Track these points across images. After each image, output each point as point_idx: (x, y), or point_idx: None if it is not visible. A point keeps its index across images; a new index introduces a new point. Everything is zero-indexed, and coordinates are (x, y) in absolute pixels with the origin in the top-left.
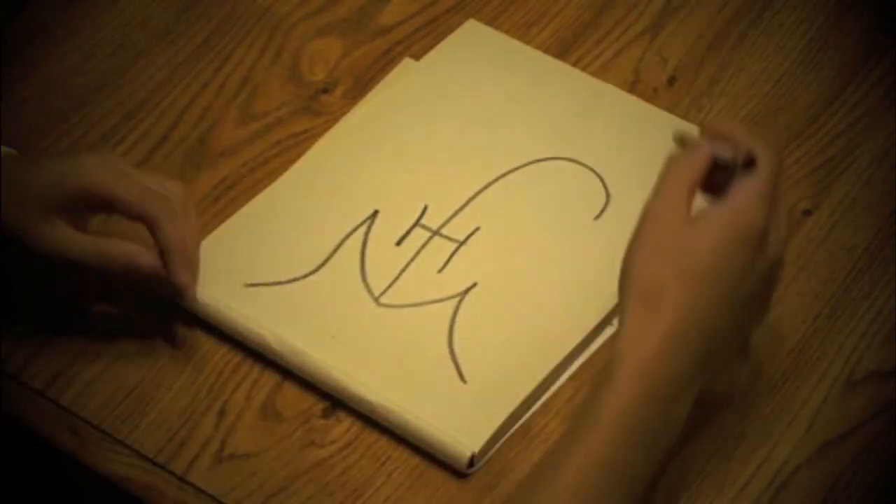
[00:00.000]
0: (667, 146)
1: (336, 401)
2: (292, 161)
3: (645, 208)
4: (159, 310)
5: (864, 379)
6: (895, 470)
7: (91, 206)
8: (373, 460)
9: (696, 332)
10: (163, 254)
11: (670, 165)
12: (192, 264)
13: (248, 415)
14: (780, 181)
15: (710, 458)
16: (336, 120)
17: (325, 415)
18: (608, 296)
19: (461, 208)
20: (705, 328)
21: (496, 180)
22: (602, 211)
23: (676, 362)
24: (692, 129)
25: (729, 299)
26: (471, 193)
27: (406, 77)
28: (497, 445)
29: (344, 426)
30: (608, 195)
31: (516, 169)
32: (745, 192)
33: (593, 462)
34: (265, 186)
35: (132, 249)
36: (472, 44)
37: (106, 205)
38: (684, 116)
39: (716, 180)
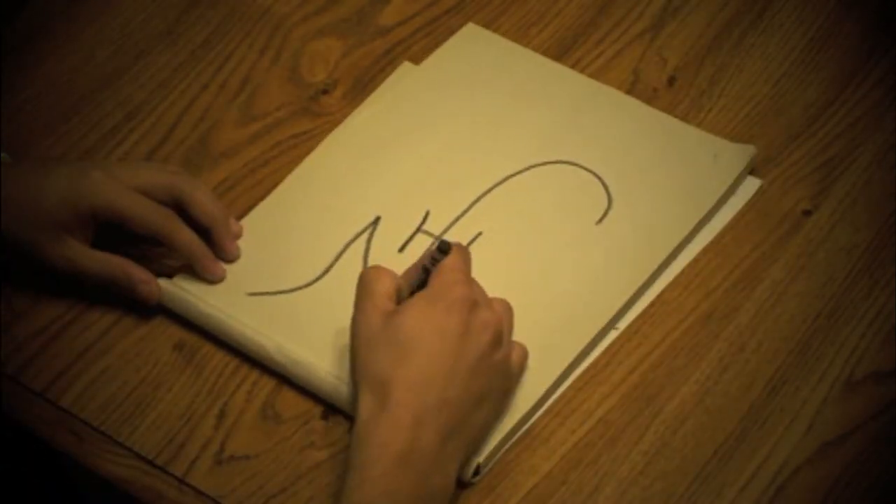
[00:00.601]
0: (668, 149)
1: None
2: (292, 162)
3: (352, 320)
4: (160, 311)
5: (864, 379)
6: (895, 470)
7: (100, 221)
8: None
9: (429, 412)
10: (186, 254)
11: (362, 279)
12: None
13: (247, 416)
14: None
15: (709, 459)
16: (336, 121)
17: (325, 416)
18: (611, 300)
19: (463, 214)
20: (439, 404)
21: (497, 185)
22: (604, 215)
23: (419, 442)
24: (693, 133)
25: (454, 370)
26: (472, 198)
27: (404, 82)
28: (501, 453)
29: (344, 428)
30: (610, 199)
31: (517, 173)
32: (442, 269)
33: None
34: (265, 187)
35: (133, 276)
36: (471, 47)
37: (117, 222)
38: (684, 117)
39: None
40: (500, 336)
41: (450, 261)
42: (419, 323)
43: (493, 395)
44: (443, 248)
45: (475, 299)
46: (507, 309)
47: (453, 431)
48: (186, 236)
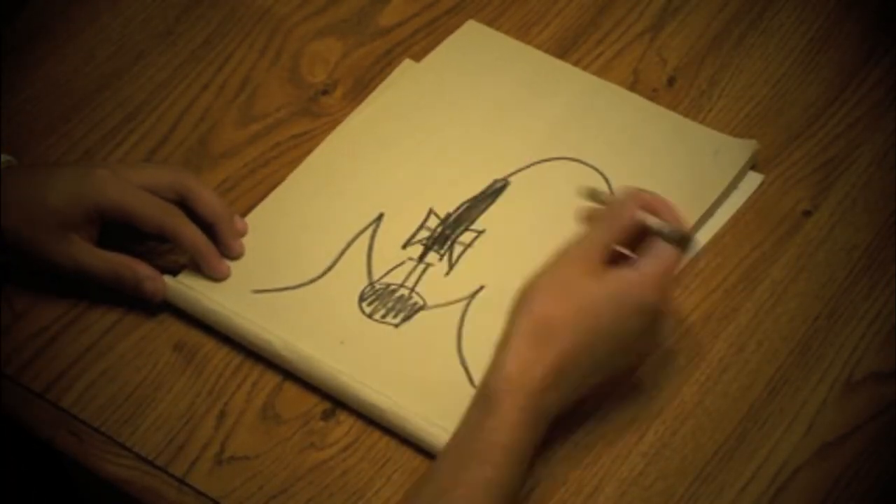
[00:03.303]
0: (670, 144)
1: (336, 402)
2: (292, 162)
3: (563, 251)
4: (160, 311)
5: (863, 380)
6: (895, 471)
7: (106, 219)
8: (373, 462)
9: (574, 371)
10: (191, 256)
11: (594, 221)
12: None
13: (248, 417)
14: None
15: (709, 460)
16: (336, 121)
17: (325, 417)
18: None
19: (466, 210)
20: (583, 368)
21: (501, 181)
22: None
23: (554, 395)
24: (695, 128)
25: (609, 353)
26: (475, 195)
27: (406, 79)
28: None
29: (344, 428)
30: (612, 195)
31: (520, 170)
32: (660, 264)
33: (483, 489)
34: (265, 187)
35: (139, 273)
36: (472, 45)
37: (122, 219)
38: (684, 116)
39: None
40: (654, 351)
41: (671, 261)
42: (614, 301)
43: (640, 347)
44: (681, 241)
45: (663, 312)
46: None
47: (576, 391)
48: (192, 233)
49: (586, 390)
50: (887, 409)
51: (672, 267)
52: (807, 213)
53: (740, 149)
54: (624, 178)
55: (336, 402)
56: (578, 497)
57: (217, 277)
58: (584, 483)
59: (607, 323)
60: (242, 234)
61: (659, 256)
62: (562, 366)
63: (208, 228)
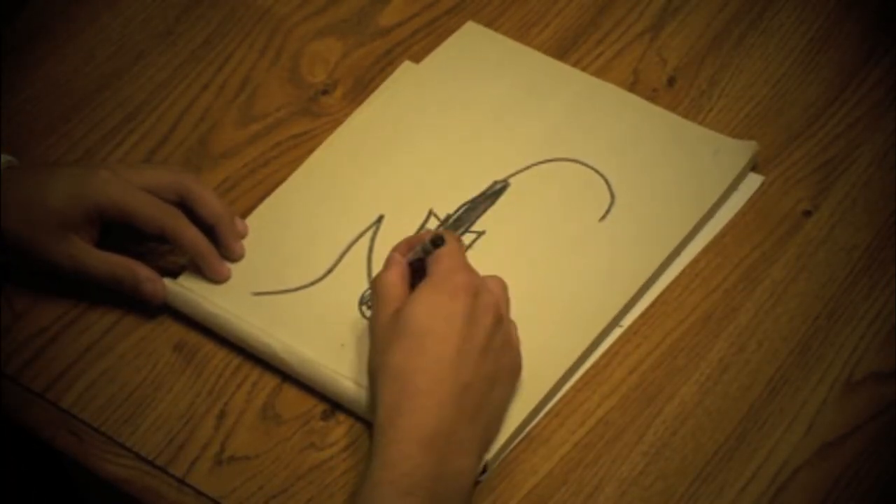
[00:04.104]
0: (670, 145)
1: (336, 403)
2: (292, 162)
3: (370, 321)
4: (160, 312)
5: (863, 380)
6: (895, 470)
7: (106, 220)
8: None
9: (449, 397)
10: (192, 258)
11: (375, 286)
12: (216, 257)
13: (247, 417)
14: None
15: (709, 460)
16: (336, 121)
17: (325, 417)
18: (615, 297)
19: (466, 212)
20: (457, 389)
21: (500, 182)
22: (607, 212)
23: (443, 425)
24: (695, 129)
25: (465, 354)
26: (475, 196)
27: (406, 80)
28: (506, 452)
29: (344, 428)
30: (612, 196)
31: (520, 171)
32: (440, 258)
33: None
34: (265, 187)
35: (139, 274)
36: (472, 46)
37: (122, 220)
38: (684, 117)
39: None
40: (501, 316)
41: (447, 248)
42: (428, 312)
43: (504, 375)
44: (436, 243)
45: (474, 283)
46: (503, 287)
47: (474, 414)
48: (192, 234)
49: (486, 404)
50: (887, 409)
51: (451, 250)
52: (807, 213)
53: (740, 150)
54: (624, 179)
55: (336, 402)
56: (578, 497)
57: (217, 279)
58: (584, 483)
59: (433, 324)
60: (243, 235)
61: (436, 256)
62: (428, 402)
63: (209, 230)
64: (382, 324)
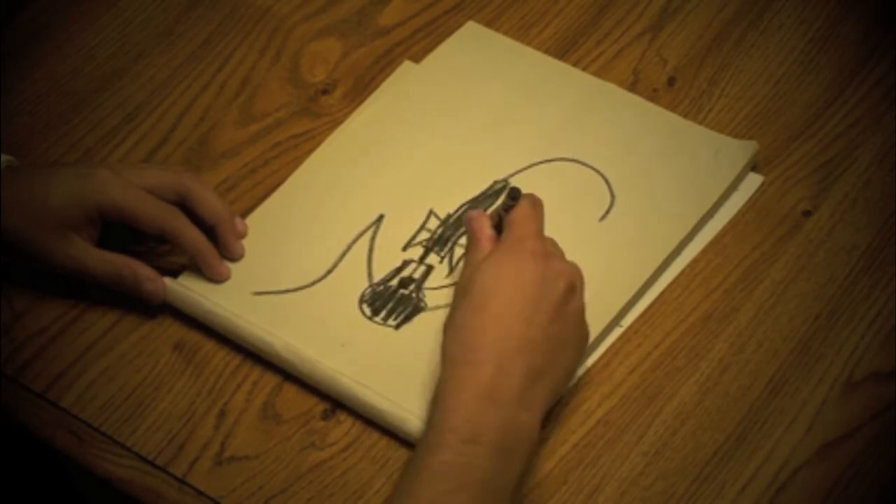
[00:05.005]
0: (670, 145)
1: (336, 402)
2: (292, 162)
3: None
4: (160, 312)
5: (863, 380)
6: (895, 471)
7: (106, 219)
8: (373, 462)
9: (511, 354)
10: (192, 258)
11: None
12: (216, 256)
13: (248, 417)
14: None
15: (709, 460)
16: (336, 121)
17: (325, 416)
18: (615, 297)
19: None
20: (520, 346)
21: (500, 182)
22: (607, 212)
23: (504, 380)
24: (695, 129)
25: (533, 315)
26: (476, 196)
27: (406, 80)
28: None
29: (344, 428)
30: (613, 196)
31: (520, 171)
32: (514, 223)
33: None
34: (265, 187)
35: (140, 274)
36: (472, 46)
37: (123, 220)
38: (684, 117)
39: None
40: (575, 286)
41: (521, 212)
42: (496, 273)
43: (572, 342)
44: (513, 195)
45: (547, 250)
46: (579, 269)
47: (539, 373)
48: (193, 234)
49: (552, 364)
50: (887, 409)
51: (524, 212)
52: (807, 213)
53: (740, 150)
54: (624, 179)
55: (336, 401)
56: (578, 497)
57: (217, 279)
58: (584, 483)
59: (503, 287)
60: (243, 235)
61: (510, 216)
62: (494, 347)
63: (209, 230)
64: (461, 280)
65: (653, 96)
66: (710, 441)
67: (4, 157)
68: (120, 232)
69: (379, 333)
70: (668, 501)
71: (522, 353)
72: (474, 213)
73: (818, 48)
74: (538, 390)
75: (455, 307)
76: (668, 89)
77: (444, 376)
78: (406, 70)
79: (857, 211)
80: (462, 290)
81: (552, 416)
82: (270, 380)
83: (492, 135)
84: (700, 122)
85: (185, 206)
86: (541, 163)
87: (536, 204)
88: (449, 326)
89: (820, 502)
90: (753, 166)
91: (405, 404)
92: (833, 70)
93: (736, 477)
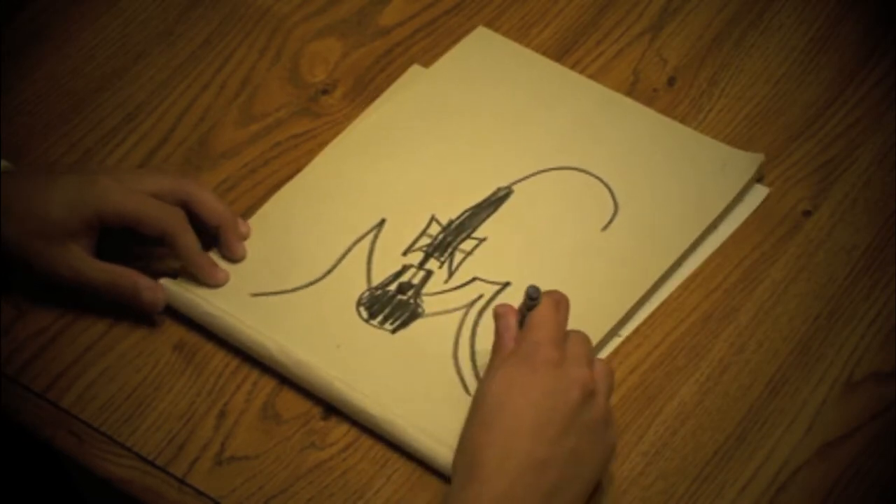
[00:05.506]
0: (675, 156)
1: None
2: (292, 162)
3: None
4: (160, 312)
5: (863, 380)
6: (895, 471)
7: (107, 225)
8: (373, 462)
9: (522, 473)
10: (186, 263)
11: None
12: (211, 263)
13: (247, 417)
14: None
15: (709, 460)
16: (336, 121)
17: (325, 417)
18: (615, 307)
19: (468, 218)
20: (532, 464)
21: (504, 189)
22: (610, 222)
23: (516, 501)
24: (701, 140)
25: (542, 428)
26: (478, 202)
27: (414, 84)
28: None
29: (344, 428)
30: (616, 206)
31: (524, 178)
32: (531, 327)
33: None
34: (265, 187)
35: (139, 283)
36: (482, 51)
37: (124, 225)
38: (684, 117)
39: None
40: (592, 393)
41: (539, 315)
42: (504, 384)
43: (592, 453)
44: (532, 296)
45: (563, 357)
46: (607, 371)
47: (552, 491)
48: (188, 241)
49: (567, 481)
50: (887, 409)
51: (541, 314)
52: (807, 213)
53: (746, 162)
54: (628, 189)
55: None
56: None
57: (213, 285)
58: None
59: (508, 401)
60: (246, 236)
61: (528, 318)
62: (498, 477)
63: (212, 232)
64: (477, 389)
65: (653, 96)
66: (710, 441)
67: (3, 163)
68: (116, 239)
69: (375, 337)
70: (668, 501)
71: (532, 471)
72: (502, 308)
73: (818, 48)
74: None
75: (468, 420)
76: (668, 89)
77: (451, 492)
78: (414, 74)
79: (857, 211)
80: (475, 403)
81: None
82: (270, 380)
83: (497, 141)
84: (700, 122)
85: (187, 211)
86: (545, 170)
87: (560, 302)
88: (460, 440)
89: (820, 502)
90: (759, 178)
91: (398, 410)
92: (833, 70)
93: (736, 477)
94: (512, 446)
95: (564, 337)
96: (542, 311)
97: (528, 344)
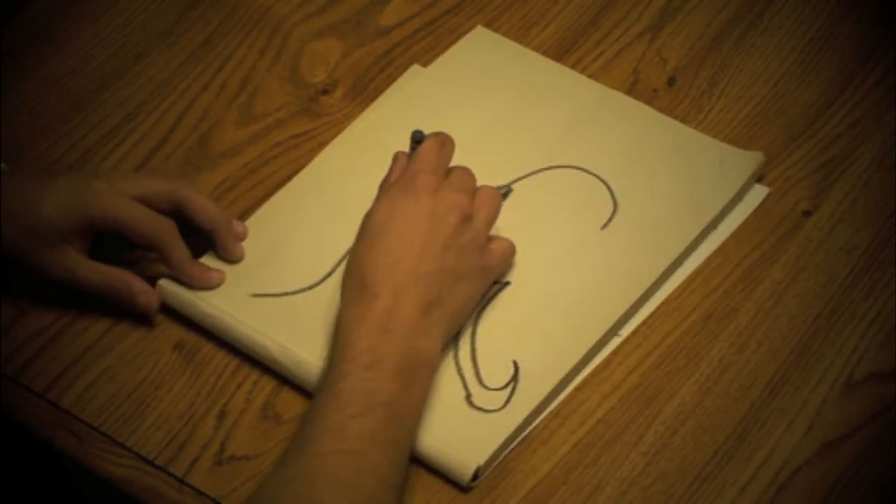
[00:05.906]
0: (675, 154)
1: None
2: (292, 162)
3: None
4: (159, 312)
5: (863, 380)
6: (895, 471)
7: (101, 230)
8: None
9: (404, 285)
10: (177, 273)
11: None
12: (204, 268)
13: (247, 416)
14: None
15: (709, 460)
16: (336, 121)
17: None
18: (614, 307)
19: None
20: (413, 278)
21: (504, 187)
22: (609, 220)
23: (399, 311)
24: (701, 139)
25: (424, 247)
26: None
27: (413, 84)
28: (501, 458)
29: None
30: (615, 204)
31: (524, 177)
32: (414, 159)
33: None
34: (265, 187)
35: (133, 287)
36: (481, 50)
37: (115, 231)
38: (684, 117)
39: None
40: (469, 218)
41: (422, 149)
42: (387, 210)
43: (469, 273)
44: (416, 139)
45: (439, 184)
46: (490, 200)
47: (433, 303)
48: (179, 254)
49: (446, 289)
50: (887, 409)
51: (422, 154)
52: (807, 213)
53: (746, 161)
54: (627, 188)
55: None
56: (578, 497)
57: (208, 287)
58: (584, 483)
59: (389, 220)
60: (242, 237)
61: (413, 157)
62: (386, 281)
63: (207, 234)
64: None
65: (653, 96)
66: (710, 441)
67: (1, 165)
68: (112, 240)
69: None
70: (668, 501)
71: (415, 284)
72: (397, 153)
73: (818, 48)
74: (434, 318)
75: (355, 244)
76: (668, 89)
77: (341, 312)
78: (413, 74)
79: (857, 211)
80: (362, 227)
81: (552, 415)
82: (270, 380)
83: (496, 140)
84: (700, 122)
85: (182, 214)
86: (544, 169)
87: (445, 142)
88: (347, 264)
89: (820, 502)
90: (759, 178)
91: None
92: (833, 70)
93: (736, 477)
94: (396, 264)
95: (446, 168)
96: (426, 146)
97: (409, 173)
